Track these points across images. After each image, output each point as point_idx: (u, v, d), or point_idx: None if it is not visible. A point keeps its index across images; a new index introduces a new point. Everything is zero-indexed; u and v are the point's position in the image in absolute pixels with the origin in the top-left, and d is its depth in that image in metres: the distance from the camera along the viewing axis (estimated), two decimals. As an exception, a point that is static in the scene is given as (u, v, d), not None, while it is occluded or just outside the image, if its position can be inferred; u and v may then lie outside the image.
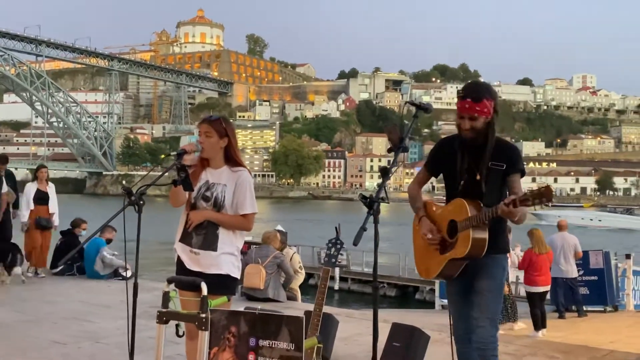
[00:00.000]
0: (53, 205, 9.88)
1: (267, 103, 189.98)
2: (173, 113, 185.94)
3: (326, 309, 4.90)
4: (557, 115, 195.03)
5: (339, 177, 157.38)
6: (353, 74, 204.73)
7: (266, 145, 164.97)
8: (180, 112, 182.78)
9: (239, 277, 3.58)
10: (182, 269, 3.57)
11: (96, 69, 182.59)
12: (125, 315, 7.24)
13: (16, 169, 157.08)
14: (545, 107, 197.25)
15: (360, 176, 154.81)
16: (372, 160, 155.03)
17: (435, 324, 6.63)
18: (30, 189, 9.84)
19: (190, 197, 3.68)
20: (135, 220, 3.46)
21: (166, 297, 3.03)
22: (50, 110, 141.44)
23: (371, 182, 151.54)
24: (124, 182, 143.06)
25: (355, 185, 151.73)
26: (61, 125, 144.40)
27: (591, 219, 58.02)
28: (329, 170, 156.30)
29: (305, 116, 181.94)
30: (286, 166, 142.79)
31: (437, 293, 15.76)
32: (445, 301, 15.57)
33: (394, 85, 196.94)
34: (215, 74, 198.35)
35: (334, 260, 3.38)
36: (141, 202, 3.46)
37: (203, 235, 3.56)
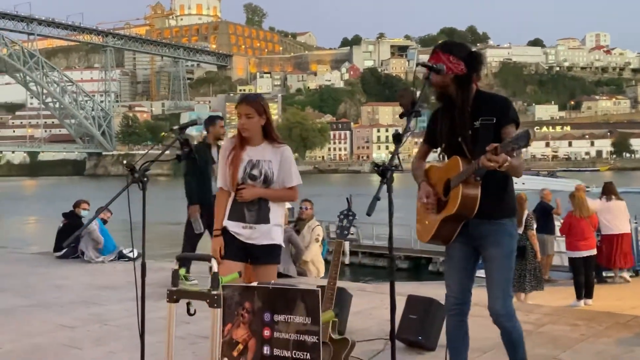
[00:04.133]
0: None
1: (268, 75, 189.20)
2: (172, 89, 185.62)
3: (339, 283, 4.91)
4: (570, 76, 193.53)
5: (345, 150, 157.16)
6: (356, 41, 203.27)
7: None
8: (179, 88, 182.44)
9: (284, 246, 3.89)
10: (234, 242, 3.83)
11: (90, 45, 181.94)
12: (132, 297, 7.31)
13: (13, 152, 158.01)
14: (557, 69, 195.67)
15: (367, 147, 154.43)
16: (379, 131, 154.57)
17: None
18: None
19: (236, 178, 3.81)
20: (137, 200, 3.48)
21: (176, 275, 3.03)
22: (45, 91, 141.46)
23: (379, 154, 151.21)
24: (124, 161, 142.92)
25: (362, 157, 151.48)
26: (57, 105, 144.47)
27: (515, 182, 59.49)
28: (334, 143, 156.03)
29: (308, 87, 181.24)
30: (290, 140, 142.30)
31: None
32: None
33: (400, 51, 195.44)
34: (214, 46, 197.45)
35: (346, 232, 3.37)
36: (145, 179, 3.48)
37: (256, 210, 3.81)
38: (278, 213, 3.91)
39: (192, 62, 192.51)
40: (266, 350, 2.43)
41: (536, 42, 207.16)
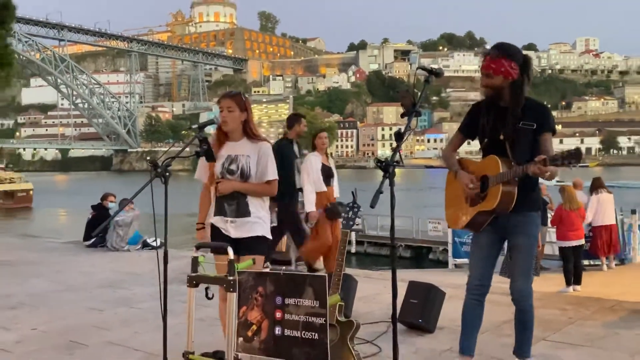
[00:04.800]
0: None
1: (280, 78, 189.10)
2: (191, 91, 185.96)
3: (346, 270, 4.94)
4: (561, 78, 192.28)
5: (352, 147, 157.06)
6: (362, 45, 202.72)
7: (281, 119, 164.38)
8: (198, 90, 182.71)
9: (271, 237, 3.72)
10: (221, 237, 3.66)
11: (116, 51, 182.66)
12: (156, 282, 7.36)
13: (46, 149, 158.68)
14: (549, 72, 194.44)
15: (372, 145, 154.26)
16: (383, 129, 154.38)
17: (449, 282, 6.64)
18: None
19: (215, 173, 3.72)
20: (158, 193, 3.50)
21: (195, 262, 3.06)
22: (75, 92, 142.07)
23: (383, 150, 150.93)
24: (148, 158, 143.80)
25: (368, 153, 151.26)
26: (86, 106, 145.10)
27: None
28: (342, 140, 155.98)
29: (317, 89, 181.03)
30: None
31: (450, 253, 15.78)
32: (458, 260, 15.65)
33: (403, 55, 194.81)
34: (230, 51, 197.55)
35: (351, 223, 3.38)
36: (167, 173, 3.49)
37: (235, 204, 3.66)
38: (259, 206, 3.74)
39: (210, 66, 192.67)
40: (278, 330, 2.46)
41: (530, 47, 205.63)
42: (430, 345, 4.43)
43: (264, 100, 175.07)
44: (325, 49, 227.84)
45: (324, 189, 6.22)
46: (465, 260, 15.26)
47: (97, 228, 5.91)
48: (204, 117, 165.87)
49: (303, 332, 2.37)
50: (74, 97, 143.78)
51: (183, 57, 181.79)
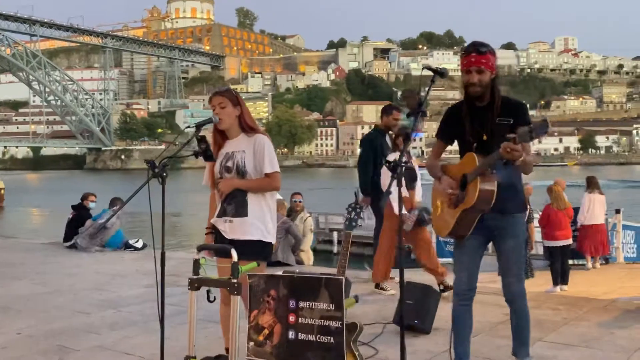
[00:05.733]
0: None
1: (259, 75, 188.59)
2: (167, 88, 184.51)
3: (333, 270, 4.93)
4: (540, 77, 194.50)
5: (332, 145, 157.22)
6: (342, 43, 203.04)
7: (259, 117, 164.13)
8: (174, 87, 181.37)
9: (272, 241, 3.53)
10: (221, 238, 3.56)
11: (90, 46, 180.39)
12: (142, 284, 7.30)
13: (17, 147, 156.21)
14: (529, 71, 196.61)
15: (352, 143, 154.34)
16: (362, 128, 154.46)
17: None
18: None
19: (214, 173, 3.67)
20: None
21: (197, 265, 3.03)
22: (47, 89, 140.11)
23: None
24: (122, 156, 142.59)
25: (348, 152, 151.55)
26: (59, 103, 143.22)
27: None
28: (321, 139, 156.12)
29: (297, 87, 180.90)
30: (280, 136, 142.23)
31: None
32: (442, 260, 15.69)
33: (382, 53, 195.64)
34: (207, 48, 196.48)
35: (354, 224, 3.38)
36: (164, 174, 3.45)
37: (234, 203, 3.55)
38: (259, 206, 3.57)
39: (186, 63, 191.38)
40: (291, 334, 2.43)
41: (509, 46, 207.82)
42: (427, 346, 4.44)
43: (242, 97, 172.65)
44: (305, 47, 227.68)
45: (406, 194, 5.79)
46: (450, 260, 15.34)
47: (93, 227, 5.81)
48: (180, 115, 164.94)
49: (318, 336, 2.35)
50: (47, 94, 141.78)
51: (159, 53, 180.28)
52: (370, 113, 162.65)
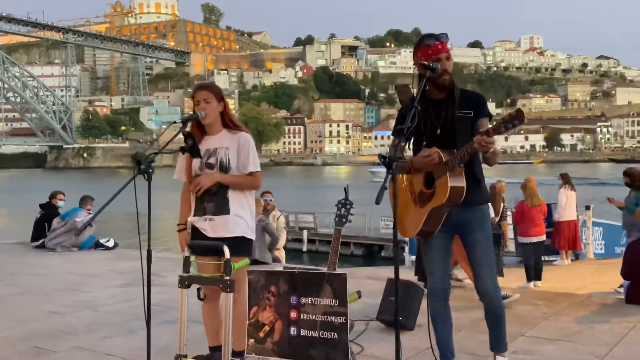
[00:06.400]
0: None
1: (225, 72, 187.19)
2: (131, 84, 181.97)
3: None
4: (506, 76, 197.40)
5: (299, 143, 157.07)
6: (309, 40, 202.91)
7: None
8: (138, 83, 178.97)
9: (253, 238, 3.53)
10: (200, 237, 3.50)
11: (51, 42, 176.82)
12: (116, 284, 7.20)
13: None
14: (495, 69, 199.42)
15: (320, 141, 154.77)
16: (330, 126, 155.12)
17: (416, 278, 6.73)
18: None
19: (194, 169, 3.61)
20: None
21: (187, 262, 3.01)
22: (6, 85, 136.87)
23: (330, 147, 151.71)
24: (85, 154, 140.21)
25: (315, 150, 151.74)
26: (18, 100, 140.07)
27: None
28: (289, 137, 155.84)
29: (264, 84, 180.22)
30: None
31: (407, 250, 15.97)
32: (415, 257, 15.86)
33: (350, 51, 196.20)
34: (172, 44, 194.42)
35: (344, 220, 3.38)
36: (150, 170, 3.40)
37: (215, 201, 3.50)
38: (240, 203, 3.56)
39: (151, 59, 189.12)
40: (293, 331, 2.43)
41: (475, 44, 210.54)
42: (412, 342, 4.48)
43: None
44: (272, 44, 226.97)
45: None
46: (423, 257, 15.51)
47: (82, 225, 5.68)
48: (144, 112, 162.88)
49: (321, 332, 2.35)
50: (5, 91, 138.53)
51: (122, 49, 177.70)
52: (338, 111, 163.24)
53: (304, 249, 22.12)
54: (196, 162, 3.60)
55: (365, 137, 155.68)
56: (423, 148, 3.21)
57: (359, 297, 2.95)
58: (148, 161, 3.39)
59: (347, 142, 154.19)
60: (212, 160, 3.57)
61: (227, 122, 3.65)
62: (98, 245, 9.62)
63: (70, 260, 8.64)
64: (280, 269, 2.82)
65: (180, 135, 3.70)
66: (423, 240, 3.38)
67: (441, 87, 3.21)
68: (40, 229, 9.69)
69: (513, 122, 2.80)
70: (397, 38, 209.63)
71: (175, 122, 3.61)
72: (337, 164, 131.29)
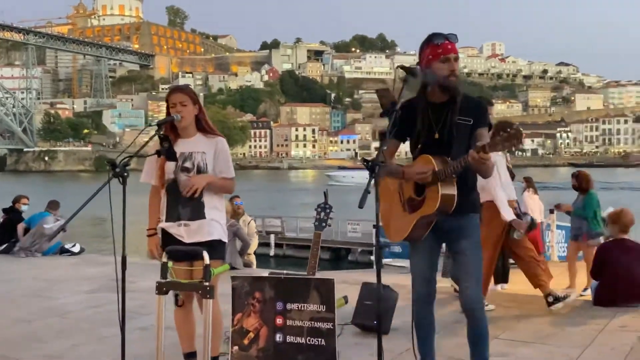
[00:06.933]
0: None
1: (190, 75, 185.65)
2: (94, 87, 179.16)
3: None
4: (469, 82, 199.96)
5: (265, 147, 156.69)
6: (275, 44, 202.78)
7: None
8: (101, 86, 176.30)
9: (227, 241, 3.50)
10: (173, 243, 3.41)
11: (11, 43, 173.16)
12: (84, 290, 7.03)
13: None
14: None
15: (286, 145, 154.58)
16: (297, 130, 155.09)
17: (391, 282, 6.73)
18: None
19: (167, 173, 3.53)
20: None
21: (165, 268, 2.94)
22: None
23: (297, 151, 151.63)
24: (46, 158, 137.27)
25: (282, 154, 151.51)
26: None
27: (344, 176, 67.23)
28: (255, 141, 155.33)
29: (229, 87, 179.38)
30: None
31: (375, 253, 15.99)
32: (384, 260, 15.90)
33: (316, 55, 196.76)
34: (136, 46, 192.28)
35: (324, 224, 3.35)
36: (125, 173, 3.32)
37: (190, 205, 3.45)
38: (214, 207, 3.52)
39: (114, 61, 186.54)
40: (279, 337, 2.38)
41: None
42: (387, 346, 4.43)
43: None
44: (237, 47, 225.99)
45: (514, 196, 5.35)
46: (390, 260, 15.55)
47: (55, 230, 5.52)
48: (107, 115, 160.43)
49: (308, 338, 2.31)
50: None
51: (85, 51, 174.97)
52: (305, 115, 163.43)
53: (271, 253, 22.03)
54: (170, 165, 3.53)
55: (331, 141, 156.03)
56: (419, 156, 3.11)
57: (346, 302, 2.92)
58: (123, 164, 3.33)
59: (314, 146, 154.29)
60: (188, 164, 3.51)
61: (203, 126, 3.60)
62: (63, 251, 9.40)
63: (36, 266, 8.42)
64: (255, 274, 2.79)
65: (141, 139, 3.66)
66: (410, 244, 3.31)
67: (445, 90, 3.10)
68: (4, 234, 9.42)
69: (512, 141, 2.73)
70: (363, 43, 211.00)
71: (150, 125, 3.51)
72: (303, 168, 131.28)
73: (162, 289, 2.89)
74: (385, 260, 15.73)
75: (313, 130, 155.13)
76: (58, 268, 8.22)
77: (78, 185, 72.68)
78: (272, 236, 22.50)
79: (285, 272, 2.77)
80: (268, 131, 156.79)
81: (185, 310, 3.42)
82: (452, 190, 3.03)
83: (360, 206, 2.59)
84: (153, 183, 3.62)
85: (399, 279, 7.82)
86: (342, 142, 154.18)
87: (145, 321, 5.10)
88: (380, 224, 2.98)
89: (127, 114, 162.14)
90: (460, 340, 4.41)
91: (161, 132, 3.47)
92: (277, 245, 22.66)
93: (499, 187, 5.23)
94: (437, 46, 3.04)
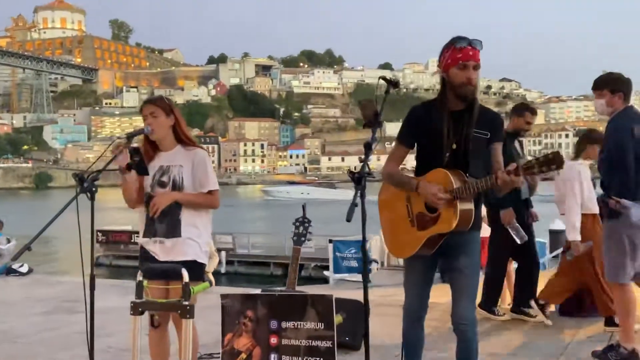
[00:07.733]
0: None
1: (135, 89, 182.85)
2: (34, 102, 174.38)
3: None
4: (415, 97, 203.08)
5: (213, 162, 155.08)
6: (222, 59, 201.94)
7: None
8: (42, 101, 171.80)
9: (205, 262, 3.34)
10: (149, 260, 3.27)
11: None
12: (35, 312, 6.74)
13: None
14: (404, 90, 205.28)
15: (235, 160, 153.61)
16: (245, 145, 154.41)
17: (359, 297, 6.68)
18: None
19: (144, 187, 3.41)
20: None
21: (140, 287, 2.80)
22: None
23: (245, 166, 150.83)
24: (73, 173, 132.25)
25: (230, 169, 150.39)
26: None
27: (279, 191, 67.32)
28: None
29: (176, 102, 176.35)
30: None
31: (331, 268, 15.98)
32: (338, 276, 15.87)
33: (264, 70, 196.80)
34: (79, 60, 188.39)
35: (303, 239, 3.26)
36: (94, 189, 3.18)
37: (166, 222, 3.31)
38: (194, 224, 3.34)
39: (55, 75, 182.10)
40: (274, 357, 2.28)
41: (386, 66, 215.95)
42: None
43: (117, 112, 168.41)
44: (184, 61, 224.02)
45: (595, 210, 4.80)
46: (347, 276, 15.53)
47: (16, 253, 5.26)
48: (48, 131, 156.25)
49: (306, 357, 2.22)
50: None
51: (24, 65, 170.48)
52: (253, 130, 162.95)
53: (223, 270, 21.72)
54: (148, 180, 3.41)
55: (280, 156, 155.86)
56: (435, 170, 2.95)
57: (343, 318, 2.84)
58: (91, 179, 3.18)
59: (263, 161, 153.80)
60: (164, 179, 3.40)
61: (182, 137, 3.48)
62: (10, 272, 9.00)
63: (-20, 287, 8.03)
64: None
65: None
66: (405, 260, 3.19)
67: (461, 98, 2.98)
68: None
69: (550, 166, 2.54)
70: (311, 58, 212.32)
71: (119, 138, 3.38)
72: (252, 183, 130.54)
73: (137, 309, 2.75)
74: (339, 276, 15.72)
75: (262, 145, 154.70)
76: (5, 289, 7.86)
77: (17, 203, 70.32)
78: (224, 253, 22.19)
79: (278, 289, 2.67)
80: (216, 146, 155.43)
81: (161, 331, 3.26)
82: (469, 205, 2.88)
83: (348, 219, 2.52)
84: (129, 206, 3.48)
85: (355, 294, 7.78)
86: (291, 156, 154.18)
87: (106, 342, 4.90)
88: (381, 235, 2.86)
89: (69, 129, 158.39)
90: (444, 355, 4.38)
91: (131, 146, 3.34)
92: (229, 263, 22.39)
93: (575, 199, 4.96)
94: (459, 50, 2.93)
